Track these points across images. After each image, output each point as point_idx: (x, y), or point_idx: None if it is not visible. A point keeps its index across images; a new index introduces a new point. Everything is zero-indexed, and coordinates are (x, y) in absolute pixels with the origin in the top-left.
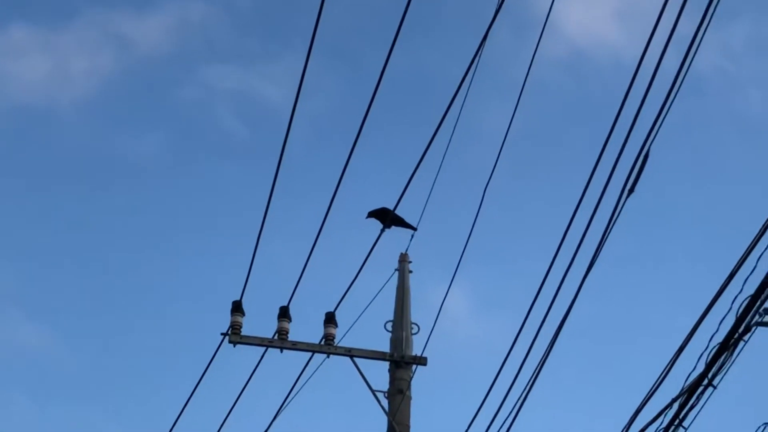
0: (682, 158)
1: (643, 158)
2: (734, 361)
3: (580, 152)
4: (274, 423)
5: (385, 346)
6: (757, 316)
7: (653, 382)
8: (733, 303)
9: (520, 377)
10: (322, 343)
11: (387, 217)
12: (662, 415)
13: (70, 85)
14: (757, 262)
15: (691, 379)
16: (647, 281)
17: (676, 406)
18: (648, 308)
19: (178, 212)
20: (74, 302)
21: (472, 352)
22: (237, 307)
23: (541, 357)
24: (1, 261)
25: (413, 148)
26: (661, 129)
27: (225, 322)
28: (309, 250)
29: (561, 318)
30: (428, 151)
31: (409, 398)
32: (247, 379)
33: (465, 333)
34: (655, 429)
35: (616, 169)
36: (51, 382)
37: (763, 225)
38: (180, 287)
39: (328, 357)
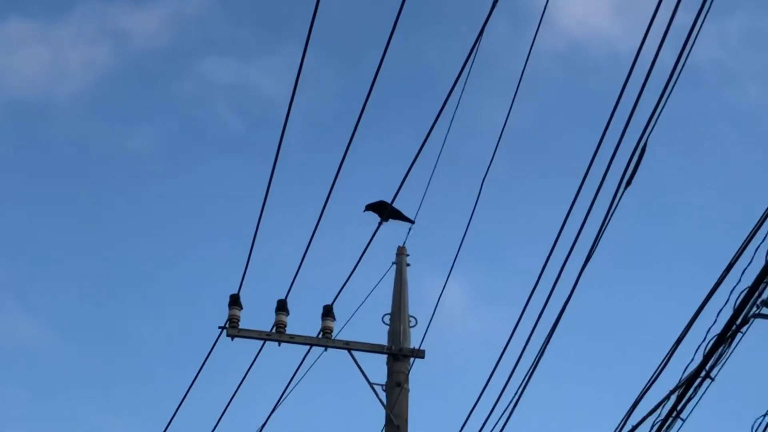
0: (679, 151)
1: (640, 151)
2: (732, 352)
3: (577, 145)
4: (271, 416)
5: (382, 339)
6: (754, 308)
7: (651, 375)
8: (730, 295)
9: (517, 371)
10: (320, 336)
11: (385, 211)
12: (660, 407)
13: (67, 78)
14: (754, 254)
15: (689, 371)
16: (644, 273)
17: (673, 398)
18: (646, 300)
19: (175, 205)
20: (71, 295)
21: (469, 345)
22: (235, 301)
23: (538, 351)
24: None
25: (411, 141)
26: (658, 121)
27: (223, 315)
28: (306, 244)
29: (558, 311)
30: (426, 145)
31: (407, 391)
32: (244, 373)
33: (462, 326)
34: (652, 421)
35: (614, 162)
36: (48, 374)
37: (761, 217)
38: (177, 280)
39: (325, 350)
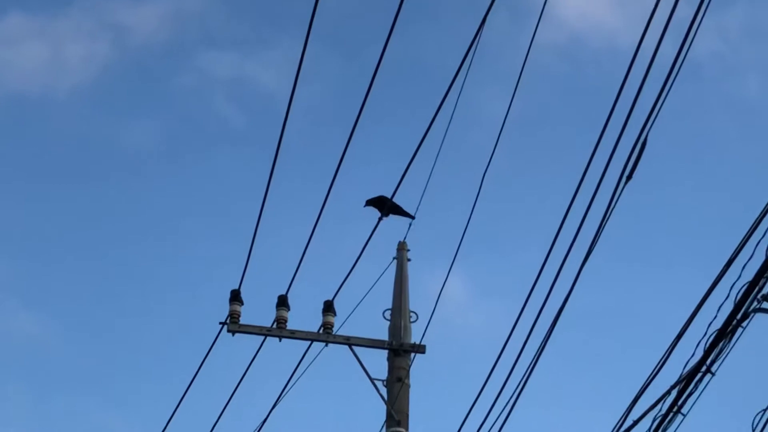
0: (679, 144)
1: (641, 145)
2: (733, 347)
3: (577, 138)
4: (273, 412)
5: (383, 335)
6: (755, 303)
7: (652, 370)
8: (731, 289)
9: (518, 366)
10: (321, 331)
11: (385, 206)
12: (661, 402)
13: (67, 73)
14: (755, 249)
15: (689, 366)
16: (645, 268)
17: (674, 393)
18: (646, 294)
19: (176, 200)
20: (72, 291)
21: (470, 340)
22: (235, 296)
23: (539, 345)
24: None
25: (411, 135)
26: (658, 115)
27: (223, 310)
28: (307, 239)
29: (559, 306)
30: (426, 138)
31: (408, 386)
32: (245, 368)
33: (463, 321)
34: (653, 416)
35: (614, 156)
36: (48, 371)
37: (762, 211)
38: (178, 276)
39: (326, 345)
